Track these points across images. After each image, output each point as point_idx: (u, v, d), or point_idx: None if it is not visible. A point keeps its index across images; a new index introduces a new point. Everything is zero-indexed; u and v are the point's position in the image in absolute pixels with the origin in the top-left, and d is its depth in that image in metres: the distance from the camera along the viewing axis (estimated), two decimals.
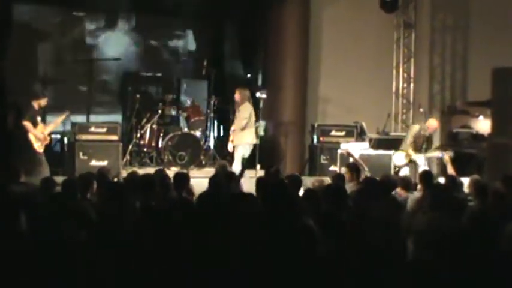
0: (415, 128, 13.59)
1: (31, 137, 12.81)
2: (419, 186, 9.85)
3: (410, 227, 7.12)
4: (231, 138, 13.47)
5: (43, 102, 13.15)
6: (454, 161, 13.41)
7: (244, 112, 13.19)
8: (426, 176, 9.83)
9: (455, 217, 7.09)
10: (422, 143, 13.38)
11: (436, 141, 15.50)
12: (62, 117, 13.63)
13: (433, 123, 13.69)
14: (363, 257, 5.51)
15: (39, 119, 13.08)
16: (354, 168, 10.57)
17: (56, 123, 13.57)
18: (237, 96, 13.42)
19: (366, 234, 6.59)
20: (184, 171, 11.57)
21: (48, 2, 15.81)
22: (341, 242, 6.15)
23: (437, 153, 13.97)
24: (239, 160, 13.04)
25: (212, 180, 8.84)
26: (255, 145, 13.34)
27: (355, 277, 5.36)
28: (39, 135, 12.86)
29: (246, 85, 14.47)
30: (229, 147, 13.50)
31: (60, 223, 6.38)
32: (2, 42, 14.70)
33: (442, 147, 14.96)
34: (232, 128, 13.42)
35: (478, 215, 6.94)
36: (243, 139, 13.20)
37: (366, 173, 11.86)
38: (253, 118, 13.29)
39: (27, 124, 12.83)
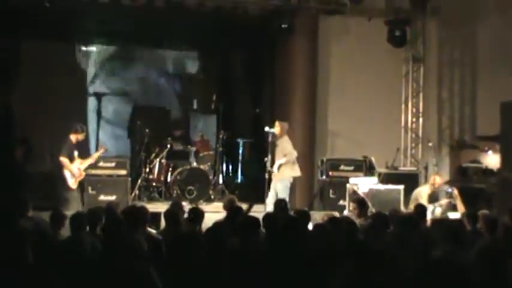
0: (424, 192, 13.54)
1: (66, 173, 12.72)
2: None
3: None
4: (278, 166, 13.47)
5: (81, 136, 13.00)
6: (463, 195, 13.36)
7: (289, 145, 13.28)
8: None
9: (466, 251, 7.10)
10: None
11: (446, 176, 15.49)
12: (100, 152, 13.57)
13: (438, 180, 13.69)
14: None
15: (76, 153, 12.91)
16: (362, 204, 10.54)
17: (93, 157, 13.40)
18: (277, 129, 13.48)
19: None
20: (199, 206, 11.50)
21: (56, 38, 15.89)
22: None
23: (445, 188, 13.95)
24: (279, 195, 13.02)
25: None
26: (265, 179, 13.39)
27: None
28: (74, 171, 12.74)
29: (255, 120, 14.48)
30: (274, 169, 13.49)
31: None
32: (12, 78, 14.79)
33: (451, 182, 14.93)
34: (279, 162, 13.39)
35: (488, 250, 6.89)
36: (292, 172, 13.32)
37: (370, 209, 11.79)
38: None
39: (63, 160, 12.71)
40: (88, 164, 13.18)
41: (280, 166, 13.35)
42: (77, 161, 12.86)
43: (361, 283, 6.07)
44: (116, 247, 6.35)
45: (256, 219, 7.85)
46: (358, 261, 6.30)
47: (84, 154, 13.39)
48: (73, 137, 12.94)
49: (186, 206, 10.71)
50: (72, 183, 12.74)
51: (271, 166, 13.46)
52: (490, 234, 8.39)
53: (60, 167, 12.76)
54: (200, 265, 6.17)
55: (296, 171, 13.51)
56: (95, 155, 13.50)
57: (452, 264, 6.48)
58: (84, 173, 12.98)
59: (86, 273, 6.21)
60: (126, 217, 8.31)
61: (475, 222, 9.12)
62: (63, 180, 12.74)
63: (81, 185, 13.26)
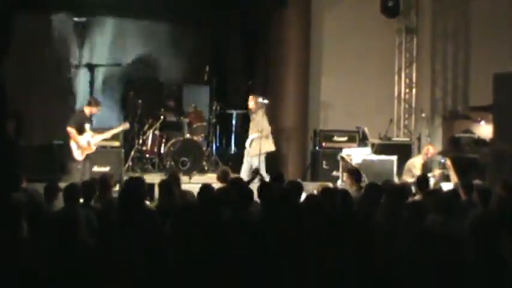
0: (417, 162, 13.57)
1: (72, 143, 12.56)
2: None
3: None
4: (246, 144, 13.48)
5: (95, 110, 12.81)
6: (455, 166, 13.41)
7: (265, 121, 13.28)
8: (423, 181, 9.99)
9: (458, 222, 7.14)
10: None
11: (438, 147, 15.51)
12: (120, 128, 13.50)
13: (431, 150, 13.73)
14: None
15: (88, 126, 12.72)
16: (355, 173, 10.57)
17: (110, 132, 13.28)
18: (250, 103, 13.47)
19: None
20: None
21: (48, 9, 15.77)
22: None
23: (438, 158, 14.00)
24: (262, 167, 13.06)
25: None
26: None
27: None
28: (81, 142, 12.55)
29: (248, 91, 14.46)
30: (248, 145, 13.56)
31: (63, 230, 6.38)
32: (2, 50, 14.69)
33: (443, 153, 14.97)
34: (252, 136, 13.38)
35: (481, 221, 6.92)
36: (268, 147, 13.34)
37: (363, 178, 11.80)
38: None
39: (69, 130, 12.54)
40: (103, 138, 13.06)
41: (252, 141, 13.34)
42: (88, 133, 12.66)
43: (357, 254, 6.11)
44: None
45: (250, 191, 7.87)
46: (354, 232, 6.35)
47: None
48: (87, 109, 12.81)
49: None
50: (78, 154, 12.54)
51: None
52: (483, 205, 8.42)
53: (67, 137, 12.64)
54: (196, 237, 6.19)
55: (270, 146, 13.48)
56: (113, 130, 13.37)
57: (444, 235, 6.52)
58: (94, 147, 12.72)
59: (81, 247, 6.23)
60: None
61: (470, 193, 9.17)
62: (69, 150, 12.64)
63: (88, 158, 12.83)
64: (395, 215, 7.35)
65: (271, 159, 14.35)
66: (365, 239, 6.54)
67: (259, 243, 6.41)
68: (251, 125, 13.64)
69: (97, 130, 13.05)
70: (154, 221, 6.72)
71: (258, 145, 13.31)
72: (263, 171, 12.91)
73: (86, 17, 17.13)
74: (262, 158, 13.36)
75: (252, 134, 13.45)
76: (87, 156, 12.72)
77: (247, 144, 13.53)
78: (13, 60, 14.96)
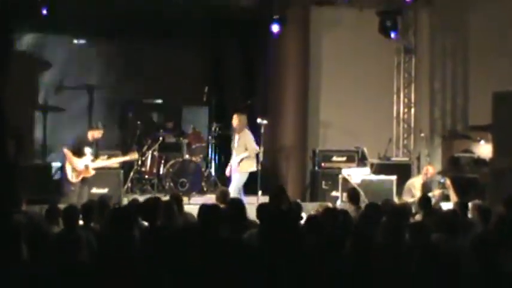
0: (417, 182, 13.55)
1: (67, 165, 12.44)
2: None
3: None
4: (233, 163, 13.39)
5: (97, 134, 12.59)
6: (455, 185, 13.41)
7: (251, 140, 13.16)
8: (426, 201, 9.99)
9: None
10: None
11: (438, 167, 15.50)
12: (127, 157, 13.44)
13: (430, 170, 13.73)
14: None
15: (88, 150, 12.51)
16: (354, 194, 10.57)
17: (115, 160, 13.28)
18: (235, 121, 13.35)
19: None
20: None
21: (48, 31, 15.79)
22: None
23: (438, 178, 14.00)
24: (237, 187, 13.00)
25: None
26: (256, 171, 13.31)
27: None
28: (77, 165, 12.37)
29: (247, 111, 14.42)
30: (227, 172, 13.50)
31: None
32: (3, 70, 14.70)
33: (443, 172, 14.96)
34: (242, 155, 13.27)
35: (481, 239, 6.92)
36: (248, 167, 13.18)
37: (363, 198, 11.78)
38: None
39: (66, 152, 12.42)
40: (104, 165, 12.91)
41: (241, 160, 13.24)
42: (88, 157, 12.48)
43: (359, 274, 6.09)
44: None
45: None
46: (355, 253, 6.33)
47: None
48: (89, 134, 12.61)
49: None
50: (72, 176, 12.38)
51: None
52: (484, 224, 8.41)
53: (63, 158, 12.58)
54: (195, 258, 6.17)
55: (253, 167, 13.33)
56: (120, 158, 13.39)
57: (448, 252, 6.53)
58: (93, 171, 12.52)
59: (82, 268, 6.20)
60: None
61: (465, 212, 9.18)
62: (64, 172, 12.55)
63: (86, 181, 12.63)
64: (396, 235, 7.32)
65: (270, 178, 14.36)
66: (364, 259, 6.51)
67: (258, 265, 6.38)
68: (238, 143, 13.40)
69: (105, 155, 13.01)
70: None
71: (246, 163, 13.18)
72: (239, 188, 12.91)
73: (86, 38, 17.18)
74: (245, 177, 13.25)
75: (240, 153, 13.26)
76: (85, 180, 12.56)
77: (235, 161, 13.35)
78: (13, 81, 14.98)
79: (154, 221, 7.92)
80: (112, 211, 7.64)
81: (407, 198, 12.82)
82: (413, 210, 10.17)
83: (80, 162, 12.43)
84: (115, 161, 13.30)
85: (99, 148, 12.87)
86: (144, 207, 8.29)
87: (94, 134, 12.62)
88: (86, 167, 12.46)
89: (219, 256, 6.38)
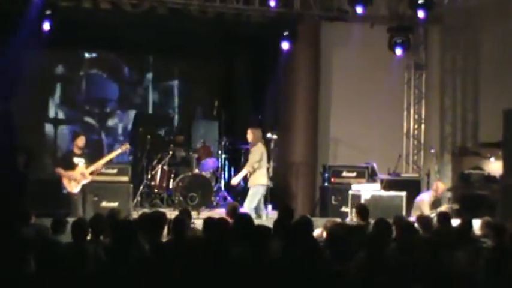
0: (427, 199, 13.51)
1: (64, 181, 12.61)
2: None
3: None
4: (241, 175, 13.40)
5: (79, 141, 12.81)
6: (465, 203, 13.40)
7: (256, 154, 13.14)
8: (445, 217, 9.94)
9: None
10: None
11: (448, 183, 15.45)
12: (119, 150, 13.51)
13: (441, 186, 13.70)
14: None
15: (77, 159, 12.68)
16: (363, 210, 10.54)
17: (111, 155, 13.35)
18: (249, 136, 13.38)
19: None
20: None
21: (58, 45, 15.86)
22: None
23: (448, 195, 14.00)
24: (251, 200, 12.98)
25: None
26: (267, 185, 13.31)
27: None
28: (73, 176, 12.57)
29: (257, 126, 14.43)
30: (233, 181, 13.49)
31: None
32: (14, 85, 14.77)
33: (453, 189, 14.93)
34: (246, 170, 13.28)
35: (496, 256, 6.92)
36: (256, 180, 13.15)
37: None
38: (265, 159, 13.25)
39: (57, 171, 12.70)
40: (103, 163, 12.99)
41: (247, 175, 13.22)
42: (80, 167, 12.66)
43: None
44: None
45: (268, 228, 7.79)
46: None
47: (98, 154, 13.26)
48: (74, 145, 12.86)
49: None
50: (71, 187, 12.59)
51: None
52: (496, 240, 8.36)
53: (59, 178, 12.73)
54: (205, 274, 6.16)
55: (261, 180, 13.27)
56: (113, 153, 13.49)
57: (456, 270, 6.51)
58: (90, 176, 12.72)
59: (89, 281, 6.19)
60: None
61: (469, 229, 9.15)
62: (65, 187, 12.69)
63: (83, 191, 12.79)
64: (407, 251, 7.31)
65: (280, 194, 14.34)
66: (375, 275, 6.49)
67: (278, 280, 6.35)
68: (249, 158, 13.45)
69: (95, 158, 13.07)
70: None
71: (257, 176, 13.17)
72: (252, 203, 12.88)
73: (97, 52, 17.26)
74: (260, 189, 13.22)
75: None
76: (86, 186, 12.73)
77: (235, 180, 13.41)
78: (23, 94, 15.05)
79: (158, 235, 7.91)
80: (117, 224, 7.61)
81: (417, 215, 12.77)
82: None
83: (75, 173, 12.63)
84: (109, 157, 13.32)
85: (87, 155, 12.97)
86: (149, 222, 8.26)
87: (78, 143, 12.82)
88: (83, 174, 12.65)
89: (230, 274, 6.36)
